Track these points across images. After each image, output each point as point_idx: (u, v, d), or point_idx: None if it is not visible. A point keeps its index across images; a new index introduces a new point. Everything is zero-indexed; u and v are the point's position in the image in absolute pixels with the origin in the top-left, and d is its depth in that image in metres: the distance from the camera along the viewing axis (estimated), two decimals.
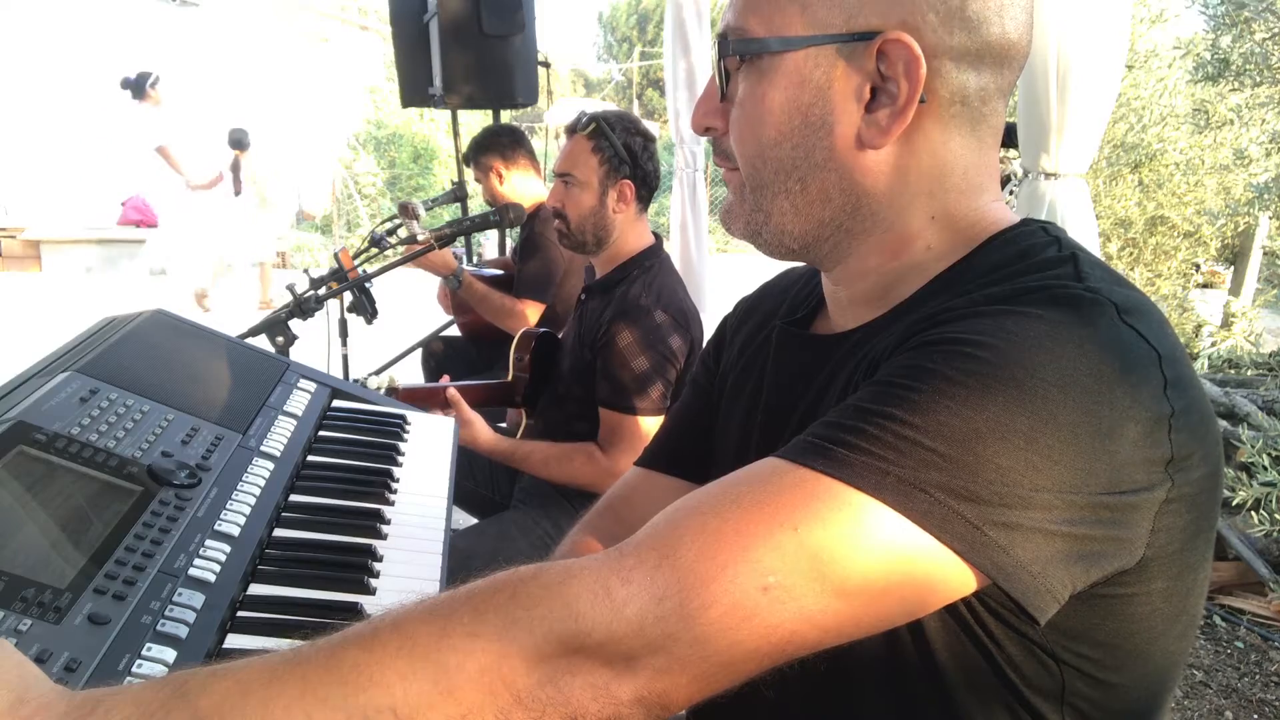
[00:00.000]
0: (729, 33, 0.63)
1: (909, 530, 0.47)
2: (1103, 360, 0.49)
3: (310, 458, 1.12)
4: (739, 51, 0.62)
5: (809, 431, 0.53)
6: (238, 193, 6.80)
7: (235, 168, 6.86)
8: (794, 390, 0.71)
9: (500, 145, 2.69)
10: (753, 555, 0.47)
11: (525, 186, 2.71)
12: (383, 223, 2.68)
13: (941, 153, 0.61)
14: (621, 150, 1.68)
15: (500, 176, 2.69)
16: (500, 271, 2.82)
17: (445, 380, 1.89)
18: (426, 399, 1.75)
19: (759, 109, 0.62)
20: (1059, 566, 0.48)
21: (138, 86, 6.24)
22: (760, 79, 0.61)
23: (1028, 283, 0.55)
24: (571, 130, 1.74)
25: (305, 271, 2.23)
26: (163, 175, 6.38)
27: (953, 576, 0.48)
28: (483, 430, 1.73)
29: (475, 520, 2.02)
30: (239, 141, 6.89)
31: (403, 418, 1.35)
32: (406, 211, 2.61)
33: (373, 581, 0.90)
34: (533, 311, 2.48)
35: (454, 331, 3.14)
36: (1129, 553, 0.51)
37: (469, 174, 2.91)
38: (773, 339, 0.77)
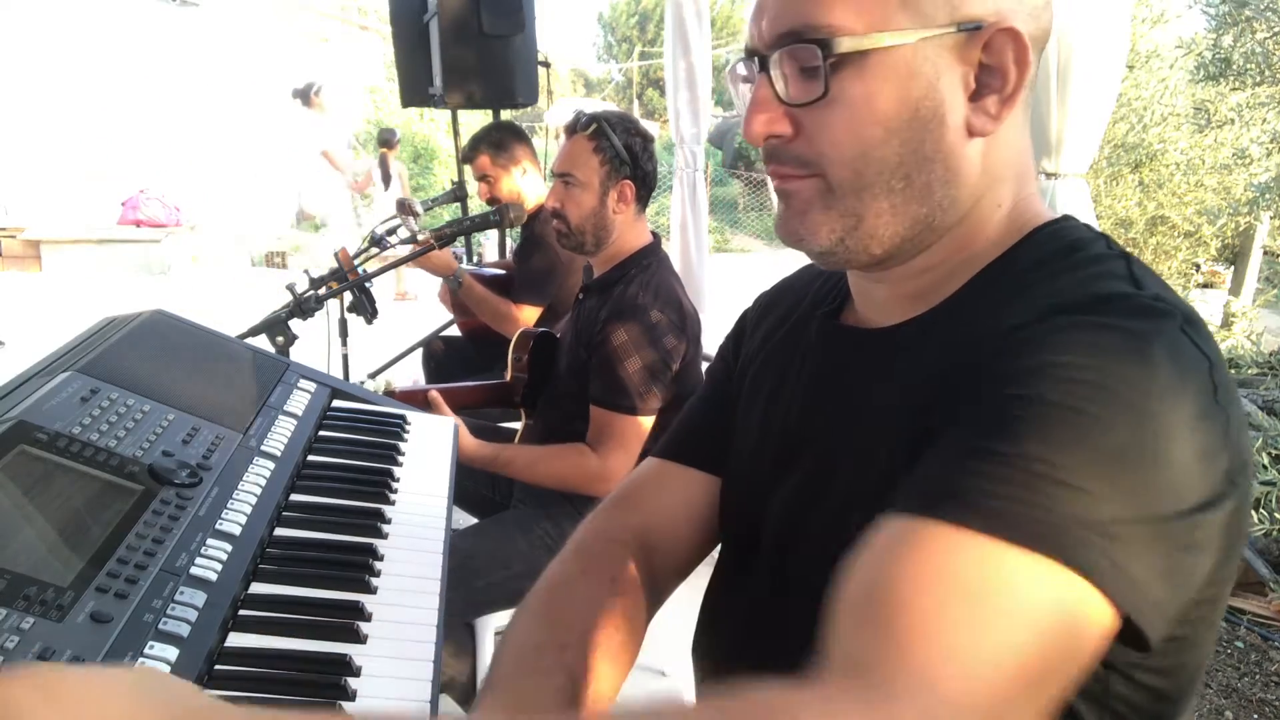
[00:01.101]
0: (807, 31, 0.58)
1: (1068, 581, 0.46)
2: (1185, 375, 0.50)
3: (310, 457, 1.12)
4: (844, 49, 0.58)
5: (943, 480, 0.50)
6: (386, 188, 7.05)
7: (384, 164, 7.12)
8: (828, 384, 0.71)
9: (502, 143, 2.66)
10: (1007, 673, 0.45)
11: (526, 186, 2.69)
12: (383, 222, 2.68)
13: (1011, 139, 0.62)
14: (622, 151, 1.68)
15: (501, 176, 2.67)
16: (501, 271, 2.82)
17: (418, 383, 1.87)
18: (416, 403, 1.74)
19: (864, 108, 0.59)
20: (1177, 589, 0.49)
21: (305, 95, 6.79)
22: (860, 76, 0.58)
23: (1097, 289, 0.55)
24: (571, 130, 1.74)
25: (305, 271, 2.23)
26: (324, 175, 6.84)
27: (1105, 620, 0.47)
28: (464, 436, 1.68)
29: (475, 520, 2.02)
30: (387, 140, 7.19)
31: (403, 418, 1.35)
32: (404, 209, 2.60)
33: (373, 580, 0.90)
34: (530, 315, 2.47)
35: (454, 331, 3.15)
36: (1208, 565, 0.51)
37: (468, 173, 2.88)
38: (811, 331, 0.76)
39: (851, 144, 0.60)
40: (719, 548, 0.85)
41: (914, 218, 0.62)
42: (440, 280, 2.54)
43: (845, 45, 0.58)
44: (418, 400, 1.72)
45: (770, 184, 0.69)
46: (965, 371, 0.56)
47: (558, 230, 1.76)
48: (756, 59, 0.63)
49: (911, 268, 0.66)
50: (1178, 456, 0.48)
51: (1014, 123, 0.62)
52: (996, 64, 0.58)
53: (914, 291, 0.66)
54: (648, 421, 1.62)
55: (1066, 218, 0.65)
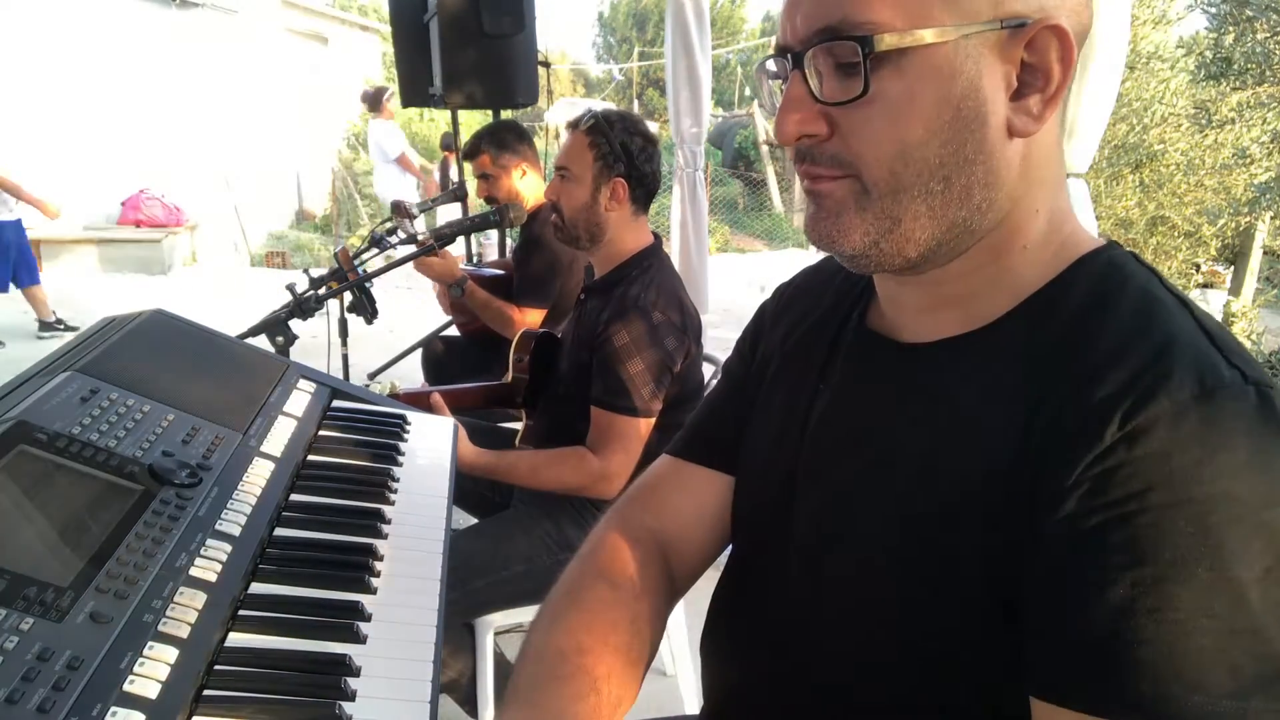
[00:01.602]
0: (845, 27, 0.56)
1: None
2: None
3: (310, 457, 1.12)
4: (885, 47, 0.56)
5: (1123, 667, 0.49)
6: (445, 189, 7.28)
7: (444, 168, 7.29)
8: (862, 394, 0.70)
9: (504, 142, 2.66)
10: None
11: (525, 187, 2.69)
12: (382, 223, 2.68)
13: (1048, 140, 0.61)
14: (618, 148, 1.69)
15: (500, 175, 2.66)
16: (501, 271, 2.81)
17: (423, 385, 1.87)
18: (419, 404, 1.74)
19: (904, 107, 0.57)
20: None
21: (374, 101, 6.95)
22: (900, 74, 0.56)
23: (1198, 371, 0.52)
24: (574, 126, 1.75)
25: (305, 271, 2.23)
26: (401, 178, 7.06)
27: None
28: (464, 445, 1.67)
29: (475, 520, 2.02)
30: (449, 144, 7.35)
31: (403, 418, 1.35)
32: (399, 210, 2.60)
33: (373, 581, 0.90)
34: (534, 317, 2.47)
35: (454, 331, 3.14)
36: None
37: (468, 171, 2.87)
38: (837, 334, 0.75)
39: (890, 144, 0.58)
40: (729, 547, 0.85)
41: (951, 221, 0.60)
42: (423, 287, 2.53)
43: (886, 42, 0.56)
44: (421, 402, 1.72)
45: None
46: (1062, 444, 0.53)
47: (554, 223, 1.77)
48: (789, 56, 0.60)
49: (947, 272, 0.63)
50: None
51: (1051, 124, 0.60)
52: (1039, 62, 0.57)
53: (947, 298, 0.64)
54: (649, 423, 1.62)
55: (1112, 245, 0.63)
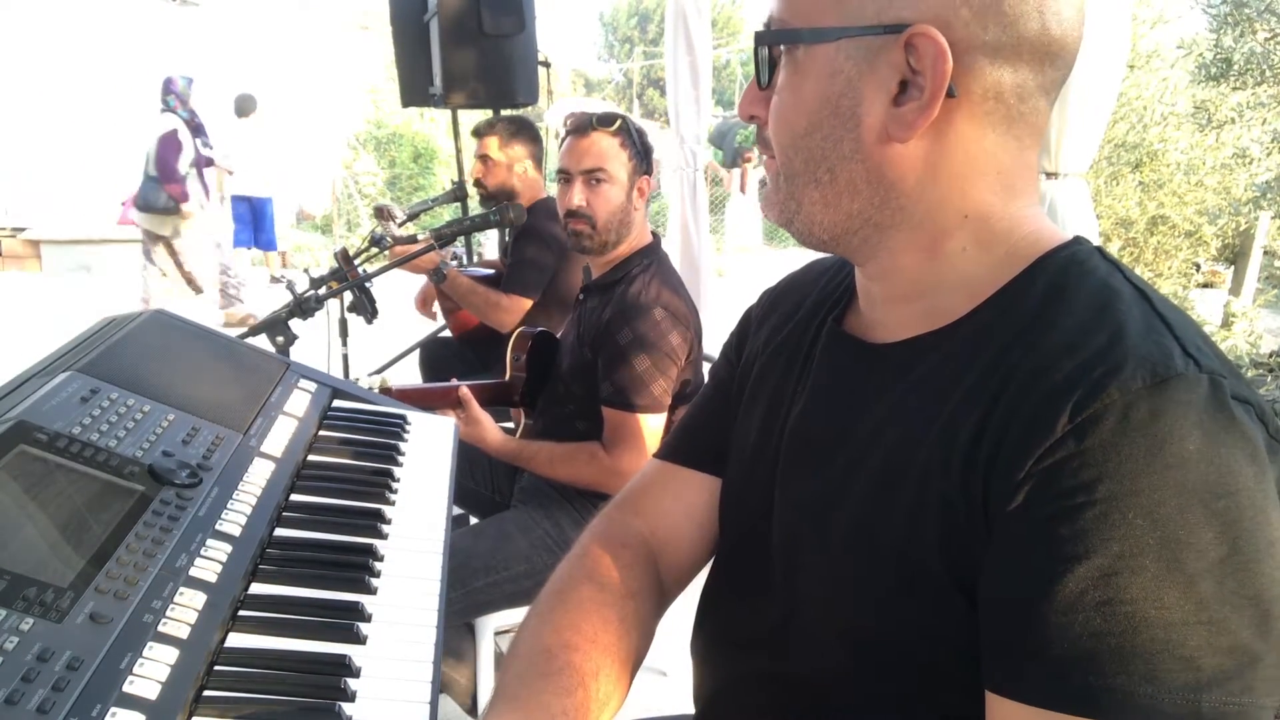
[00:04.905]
0: (770, 23, 0.63)
1: None
2: (1263, 471, 0.50)
3: (311, 457, 1.12)
4: (775, 41, 0.63)
5: (1075, 662, 0.49)
6: None
7: None
8: (834, 394, 0.71)
9: (516, 134, 2.65)
10: None
11: (523, 182, 2.70)
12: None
13: (974, 150, 0.60)
14: (641, 147, 1.71)
15: (499, 164, 2.67)
16: (489, 271, 2.82)
17: (454, 381, 1.89)
18: (425, 399, 1.75)
19: (793, 99, 0.62)
20: None
21: None
22: (795, 70, 0.62)
23: (1149, 358, 0.51)
24: (586, 128, 1.70)
25: (305, 271, 2.23)
26: None
27: None
28: (491, 430, 1.73)
29: (475, 520, 2.02)
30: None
31: (403, 418, 1.35)
32: (382, 215, 2.59)
33: (373, 581, 0.90)
34: (520, 306, 2.47)
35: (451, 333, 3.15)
36: None
37: (467, 152, 2.86)
38: (815, 334, 0.76)
39: (784, 133, 0.64)
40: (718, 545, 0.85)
41: (848, 212, 0.63)
42: (418, 288, 2.52)
43: (780, 38, 0.62)
44: (417, 398, 1.72)
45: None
46: (1015, 438, 0.53)
47: (577, 231, 1.71)
48: None
49: (884, 265, 0.66)
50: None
51: (971, 135, 0.59)
52: (923, 69, 0.57)
53: (901, 294, 0.66)
54: (659, 419, 1.63)
55: (1076, 240, 0.63)
